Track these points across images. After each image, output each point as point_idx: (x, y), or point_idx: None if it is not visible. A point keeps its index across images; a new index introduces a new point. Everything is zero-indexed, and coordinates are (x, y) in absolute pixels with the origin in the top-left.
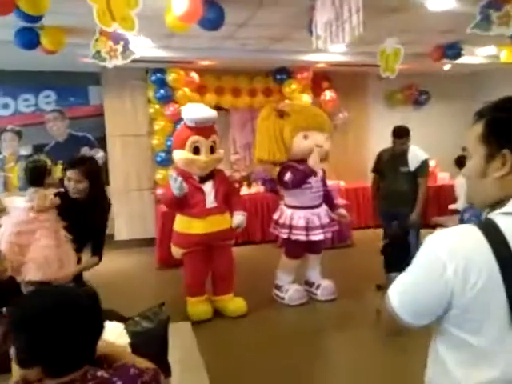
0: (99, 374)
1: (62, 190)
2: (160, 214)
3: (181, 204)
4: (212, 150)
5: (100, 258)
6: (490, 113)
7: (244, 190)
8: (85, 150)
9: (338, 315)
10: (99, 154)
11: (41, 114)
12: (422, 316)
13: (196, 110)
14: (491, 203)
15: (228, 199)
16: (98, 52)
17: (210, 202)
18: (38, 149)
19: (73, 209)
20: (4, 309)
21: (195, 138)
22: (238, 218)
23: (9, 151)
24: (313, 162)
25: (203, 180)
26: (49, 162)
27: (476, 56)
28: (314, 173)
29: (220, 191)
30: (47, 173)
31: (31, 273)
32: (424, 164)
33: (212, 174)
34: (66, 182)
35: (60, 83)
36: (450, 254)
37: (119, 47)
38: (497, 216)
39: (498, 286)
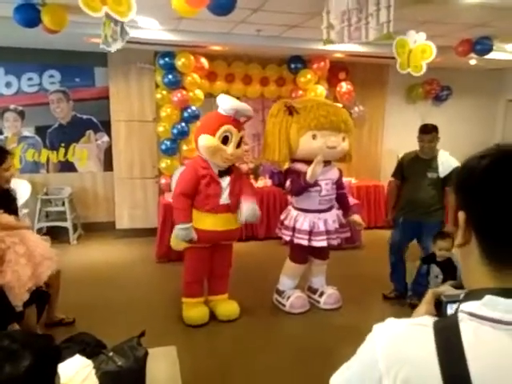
0: None
1: None
2: (162, 206)
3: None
4: (239, 144)
5: None
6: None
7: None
8: (89, 134)
9: (341, 327)
10: (104, 139)
11: (45, 95)
12: None
13: (235, 101)
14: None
15: (241, 192)
16: (105, 37)
17: (225, 198)
18: (40, 130)
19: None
20: None
21: (229, 126)
22: (248, 206)
23: (11, 132)
24: (309, 176)
25: (221, 174)
26: None
27: (506, 52)
28: (312, 185)
29: (235, 189)
30: None
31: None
32: (456, 171)
33: (230, 170)
34: (7, 174)
35: (65, 63)
36: (389, 362)
37: (118, 29)
38: (464, 317)
39: None
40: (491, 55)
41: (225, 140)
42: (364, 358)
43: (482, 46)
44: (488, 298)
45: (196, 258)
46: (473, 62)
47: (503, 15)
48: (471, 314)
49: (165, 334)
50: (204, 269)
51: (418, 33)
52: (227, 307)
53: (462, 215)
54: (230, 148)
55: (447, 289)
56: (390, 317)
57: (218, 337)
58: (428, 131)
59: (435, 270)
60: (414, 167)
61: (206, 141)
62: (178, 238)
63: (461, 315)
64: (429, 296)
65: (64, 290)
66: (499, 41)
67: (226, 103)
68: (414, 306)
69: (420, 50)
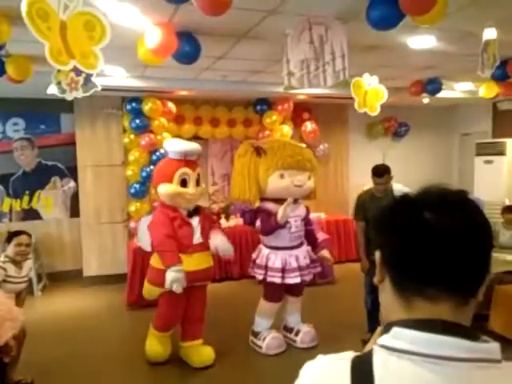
0: None
1: None
2: (132, 250)
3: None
4: (197, 182)
5: None
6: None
7: (222, 223)
8: (54, 180)
9: None
10: (70, 184)
11: (8, 142)
12: None
13: (183, 143)
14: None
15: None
16: (59, 83)
17: (197, 237)
18: (3, 178)
19: None
20: None
21: (184, 170)
22: (220, 238)
23: None
24: (280, 216)
25: (190, 215)
26: None
27: (455, 91)
28: (282, 226)
29: (205, 228)
30: None
31: None
32: None
33: (197, 210)
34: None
35: (30, 110)
36: None
37: (81, 79)
38: (377, 349)
39: None
40: (442, 94)
41: (183, 183)
42: None
43: (432, 86)
44: (394, 329)
45: (171, 304)
46: (426, 100)
47: (448, 59)
48: (382, 346)
49: None
50: (178, 316)
51: (372, 76)
52: (201, 353)
53: (377, 254)
54: (190, 189)
55: None
56: None
57: None
58: (380, 174)
59: None
60: (371, 207)
61: (166, 189)
62: (168, 281)
63: (375, 348)
64: (378, 331)
65: (28, 346)
66: (448, 80)
67: (174, 148)
68: None
69: (374, 92)
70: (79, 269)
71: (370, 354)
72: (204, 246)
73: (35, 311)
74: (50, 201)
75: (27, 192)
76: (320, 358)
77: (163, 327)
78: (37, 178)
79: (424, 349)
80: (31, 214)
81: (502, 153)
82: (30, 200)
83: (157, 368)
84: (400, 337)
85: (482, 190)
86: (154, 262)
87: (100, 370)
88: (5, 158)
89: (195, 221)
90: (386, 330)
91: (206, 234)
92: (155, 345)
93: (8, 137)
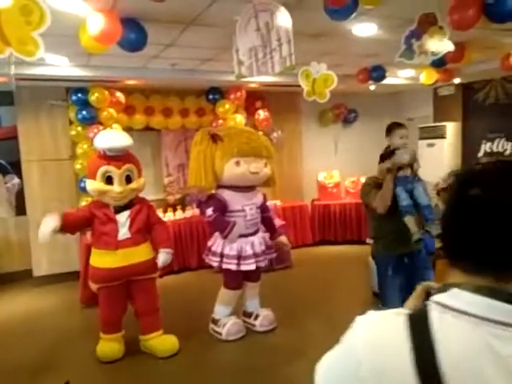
0: None
1: None
2: (84, 246)
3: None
4: (129, 179)
5: None
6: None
7: (179, 214)
8: None
9: (277, 348)
10: (14, 181)
11: None
12: None
13: (107, 138)
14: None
15: (152, 231)
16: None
17: (123, 233)
18: None
19: None
20: None
21: (106, 168)
22: (163, 256)
23: None
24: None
25: (119, 210)
26: None
27: (398, 77)
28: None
29: (136, 221)
30: None
31: None
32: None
33: (130, 204)
34: None
35: None
36: (366, 351)
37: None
38: (432, 306)
39: None
40: (386, 81)
41: (109, 180)
42: (345, 343)
43: (377, 73)
44: (454, 290)
45: (108, 297)
46: (372, 87)
47: (389, 47)
48: (438, 303)
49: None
50: (119, 308)
51: (320, 63)
52: (165, 342)
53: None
54: (115, 187)
55: (436, 284)
56: (323, 335)
57: (155, 376)
58: (401, 124)
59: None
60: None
61: (89, 185)
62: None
63: (430, 304)
64: (418, 290)
65: None
66: (392, 67)
67: (96, 143)
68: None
69: (323, 79)
70: (29, 269)
71: (425, 311)
72: (133, 241)
73: None
74: None
75: None
76: (373, 312)
77: (105, 326)
78: None
79: (484, 313)
80: None
81: (442, 136)
82: None
83: (112, 365)
84: (458, 298)
85: (426, 171)
86: (90, 258)
87: (56, 367)
88: None
89: (123, 216)
90: (444, 289)
91: (137, 229)
92: (104, 345)
93: None
